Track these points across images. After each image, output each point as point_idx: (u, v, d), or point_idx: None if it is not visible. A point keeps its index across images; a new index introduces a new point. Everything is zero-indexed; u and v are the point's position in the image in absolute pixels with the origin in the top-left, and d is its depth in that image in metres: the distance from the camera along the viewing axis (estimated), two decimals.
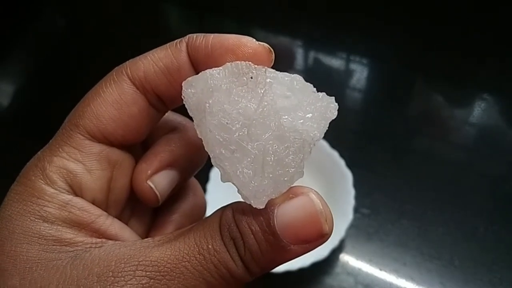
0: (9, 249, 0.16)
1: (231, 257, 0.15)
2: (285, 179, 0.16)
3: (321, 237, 0.15)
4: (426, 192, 0.49)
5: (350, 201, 0.43)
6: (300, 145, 0.16)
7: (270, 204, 0.15)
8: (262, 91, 0.16)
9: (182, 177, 0.20)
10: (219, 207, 0.17)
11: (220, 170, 0.16)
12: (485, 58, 0.61)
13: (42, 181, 0.17)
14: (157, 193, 0.19)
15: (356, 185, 0.44)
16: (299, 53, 0.67)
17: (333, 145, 0.47)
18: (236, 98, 0.16)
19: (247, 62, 0.17)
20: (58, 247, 0.16)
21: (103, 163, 0.18)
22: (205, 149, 0.16)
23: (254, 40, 0.18)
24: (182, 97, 0.16)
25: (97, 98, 0.18)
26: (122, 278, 0.15)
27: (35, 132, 0.62)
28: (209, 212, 0.19)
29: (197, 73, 0.17)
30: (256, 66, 0.16)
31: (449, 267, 0.44)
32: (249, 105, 0.15)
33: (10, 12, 0.75)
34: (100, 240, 0.17)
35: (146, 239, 0.16)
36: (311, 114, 0.16)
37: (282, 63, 0.65)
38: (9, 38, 0.73)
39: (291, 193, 0.16)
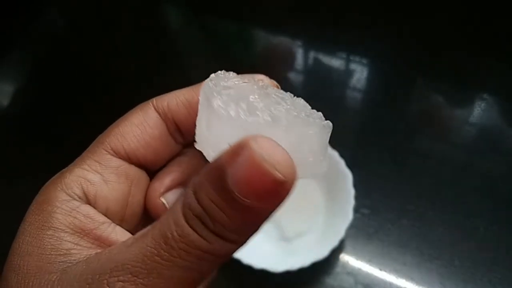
0: (16, 263, 0.16)
1: (200, 235, 0.15)
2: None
3: (279, 185, 0.14)
4: (426, 192, 0.49)
5: (350, 201, 0.43)
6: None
7: (221, 167, 0.15)
8: (257, 108, 0.16)
9: None
10: None
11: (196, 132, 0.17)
12: (485, 58, 0.61)
13: (59, 188, 0.18)
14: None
15: (356, 185, 0.44)
16: (299, 53, 0.67)
17: (333, 145, 0.47)
18: (231, 104, 0.16)
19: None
20: (53, 256, 0.16)
21: (120, 176, 0.19)
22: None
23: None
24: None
25: (124, 121, 0.20)
26: None
27: (35, 132, 0.62)
28: None
29: None
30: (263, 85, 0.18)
31: (449, 267, 0.44)
32: (240, 115, 0.16)
33: (10, 12, 0.75)
34: (97, 250, 0.17)
35: (123, 241, 0.17)
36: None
37: (282, 63, 0.65)
38: (9, 38, 0.73)
39: (237, 147, 0.15)
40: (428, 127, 0.56)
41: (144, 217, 0.21)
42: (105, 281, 0.15)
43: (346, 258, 0.45)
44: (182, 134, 0.21)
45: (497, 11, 0.64)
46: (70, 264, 0.16)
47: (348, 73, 0.62)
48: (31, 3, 0.76)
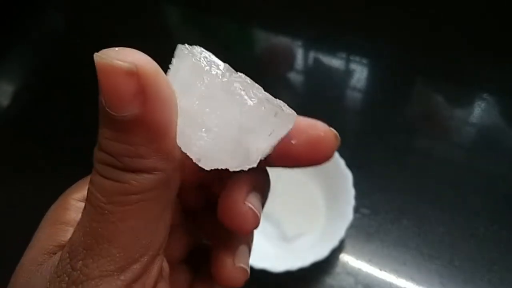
0: (20, 281, 0.16)
1: (111, 178, 0.14)
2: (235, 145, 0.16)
3: (130, 76, 0.14)
4: (426, 192, 0.49)
5: (350, 201, 0.43)
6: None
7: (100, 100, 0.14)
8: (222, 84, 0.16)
9: (263, 201, 0.20)
10: None
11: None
12: (485, 58, 0.61)
13: (74, 192, 0.18)
14: (257, 212, 0.18)
15: (356, 185, 0.44)
16: (299, 53, 0.67)
17: None
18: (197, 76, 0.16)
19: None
20: (51, 247, 0.17)
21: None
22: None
23: (324, 124, 0.18)
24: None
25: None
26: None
27: (35, 132, 0.62)
28: None
29: None
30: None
31: (449, 267, 0.44)
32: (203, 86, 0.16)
33: (11, 12, 0.75)
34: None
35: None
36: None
37: (282, 63, 0.65)
38: (9, 38, 0.73)
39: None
40: (428, 127, 0.56)
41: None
42: (68, 265, 0.15)
43: (346, 258, 0.45)
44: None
45: (497, 11, 0.64)
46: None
47: (348, 73, 0.62)
48: (31, 3, 0.76)
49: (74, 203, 0.18)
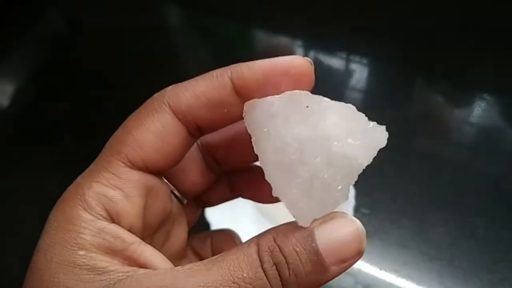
0: (48, 279, 0.16)
1: (270, 283, 0.15)
2: (331, 201, 0.16)
3: (359, 255, 0.16)
4: (426, 192, 0.49)
5: (350, 201, 0.43)
6: (348, 171, 0.17)
7: (312, 226, 0.16)
8: (316, 119, 0.17)
9: None
10: None
11: (272, 185, 0.17)
12: (485, 58, 0.61)
13: (80, 207, 0.17)
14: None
15: (356, 185, 0.44)
16: (299, 53, 0.67)
17: None
18: (292, 125, 0.17)
19: (305, 91, 0.18)
20: (92, 276, 0.16)
21: (141, 189, 0.18)
22: (260, 164, 0.17)
23: (301, 57, 0.18)
24: (243, 116, 0.18)
25: (140, 127, 0.18)
26: None
27: (35, 133, 0.62)
28: None
29: (243, 103, 0.18)
30: (313, 95, 0.17)
31: (449, 267, 0.44)
32: (303, 132, 0.16)
33: (11, 12, 0.75)
34: (132, 268, 0.17)
35: (176, 268, 0.16)
36: (360, 141, 0.17)
37: None
38: (9, 38, 0.73)
39: (329, 216, 0.16)
40: (428, 127, 0.56)
41: (164, 226, 0.21)
42: None
43: None
44: (202, 132, 0.20)
45: (498, 11, 0.64)
46: (113, 282, 0.16)
47: (348, 73, 0.62)
48: (32, 3, 0.76)
49: (85, 225, 0.17)
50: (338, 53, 0.65)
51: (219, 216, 0.42)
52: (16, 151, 0.59)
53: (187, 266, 0.16)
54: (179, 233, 0.22)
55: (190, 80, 0.19)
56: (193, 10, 0.75)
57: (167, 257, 0.19)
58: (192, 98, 0.18)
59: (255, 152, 0.17)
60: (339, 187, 0.16)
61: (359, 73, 0.62)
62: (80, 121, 0.60)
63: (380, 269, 0.44)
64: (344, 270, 0.16)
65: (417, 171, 0.51)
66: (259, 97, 0.18)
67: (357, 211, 0.46)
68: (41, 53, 0.73)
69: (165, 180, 0.21)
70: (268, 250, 0.16)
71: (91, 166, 0.19)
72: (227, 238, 0.26)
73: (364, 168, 0.17)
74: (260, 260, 0.15)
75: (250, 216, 0.44)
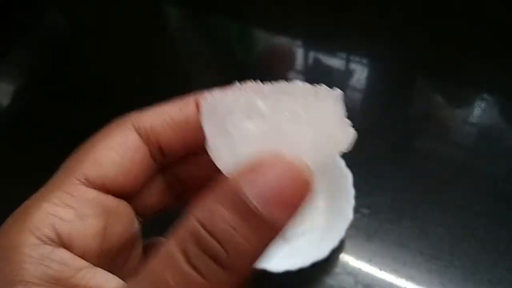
0: None
1: (207, 279, 0.13)
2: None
3: (306, 188, 0.13)
4: (426, 192, 0.49)
5: (350, 201, 0.43)
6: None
7: (237, 183, 0.13)
8: (270, 112, 0.15)
9: None
10: None
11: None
12: (485, 58, 0.61)
13: (26, 231, 0.15)
14: None
15: (356, 185, 0.44)
16: (299, 53, 0.67)
17: None
18: (245, 121, 0.15)
19: (261, 86, 0.16)
20: None
21: (97, 210, 0.17)
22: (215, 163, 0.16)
23: None
24: (200, 117, 0.17)
25: (98, 143, 0.17)
26: None
27: (35, 132, 0.62)
28: None
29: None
30: (270, 90, 0.16)
31: (449, 267, 0.44)
32: (258, 127, 0.15)
33: (11, 12, 0.75)
34: None
35: None
36: (309, 117, 0.16)
37: (282, 63, 0.65)
38: (9, 38, 0.73)
39: (255, 163, 0.13)
40: (428, 127, 0.56)
41: (124, 251, 0.19)
42: None
43: (346, 258, 0.45)
44: (164, 154, 0.19)
45: (498, 11, 0.64)
46: None
47: (348, 73, 0.62)
48: (32, 3, 0.76)
49: (28, 251, 0.15)
50: (338, 53, 0.65)
51: None
52: (16, 151, 0.59)
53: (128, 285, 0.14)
54: (138, 251, 0.20)
55: (155, 106, 0.19)
56: (193, 10, 0.75)
57: (128, 275, 0.18)
58: (157, 116, 0.18)
59: (210, 155, 0.16)
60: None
61: (359, 73, 0.62)
62: (80, 121, 0.60)
63: (380, 269, 0.44)
64: (297, 211, 0.13)
65: (417, 171, 0.51)
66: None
67: (357, 211, 0.46)
68: (41, 53, 0.73)
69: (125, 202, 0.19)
70: (192, 238, 0.13)
71: (42, 188, 0.17)
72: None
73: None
74: (185, 256, 0.13)
75: None
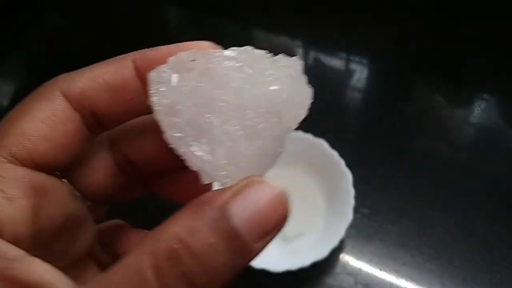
0: None
1: None
2: (259, 147, 0.14)
3: (284, 222, 0.14)
4: (426, 192, 0.49)
5: (350, 201, 0.43)
6: (267, 109, 0.14)
7: (223, 200, 0.13)
8: (211, 71, 0.14)
9: None
10: None
11: (187, 159, 0.15)
12: (485, 58, 0.61)
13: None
14: None
15: (356, 185, 0.44)
16: (299, 53, 0.67)
17: (333, 145, 0.47)
18: (185, 85, 0.14)
19: (190, 51, 0.15)
20: None
21: (27, 189, 0.15)
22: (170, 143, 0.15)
23: (207, 42, 0.17)
24: (148, 91, 0.15)
25: (25, 116, 0.16)
26: None
27: None
28: None
29: (143, 86, 0.16)
30: (200, 51, 0.15)
31: (449, 267, 0.44)
32: (200, 87, 0.14)
33: (10, 12, 0.75)
34: None
35: None
36: (271, 78, 0.15)
37: None
38: (9, 38, 0.73)
39: (243, 183, 0.13)
40: (428, 127, 0.56)
41: (64, 234, 0.17)
42: None
43: (346, 258, 0.45)
44: (101, 122, 0.17)
45: (498, 11, 0.64)
46: None
47: (348, 73, 0.62)
48: (32, 3, 0.76)
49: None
50: (338, 53, 0.65)
51: None
52: None
53: None
54: (85, 235, 0.19)
55: (88, 66, 0.17)
56: (193, 10, 0.75)
57: (72, 262, 0.17)
58: (88, 80, 0.16)
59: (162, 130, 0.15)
60: (263, 129, 0.14)
61: (359, 73, 0.62)
62: None
63: (380, 269, 0.44)
64: (270, 242, 0.13)
65: (417, 171, 0.51)
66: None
67: (357, 211, 0.46)
68: (41, 53, 0.73)
69: (65, 180, 0.18)
70: (168, 255, 0.12)
71: None
72: (115, 228, 0.22)
73: (286, 101, 0.14)
74: (157, 273, 0.12)
75: None
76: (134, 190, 0.21)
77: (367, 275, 0.44)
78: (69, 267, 0.18)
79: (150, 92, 0.15)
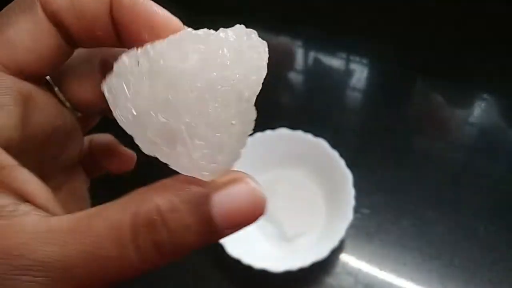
0: None
1: (140, 257, 0.13)
2: (231, 134, 0.14)
3: (255, 220, 0.15)
4: (426, 192, 0.49)
5: (350, 201, 0.43)
6: (229, 91, 0.14)
7: (209, 190, 0.14)
8: (158, 68, 0.14)
9: None
10: None
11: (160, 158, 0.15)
12: (485, 58, 0.61)
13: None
14: None
15: (356, 185, 0.44)
16: (299, 53, 0.67)
17: (333, 145, 0.47)
18: (139, 92, 0.14)
19: (130, 51, 0.15)
20: None
21: (16, 97, 0.15)
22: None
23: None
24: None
25: (12, 26, 0.16)
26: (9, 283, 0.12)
27: None
28: None
29: (114, 29, 0.16)
30: (141, 48, 0.15)
31: (449, 267, 0.44)
32: (154, 90, 0.14)
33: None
34: (15, 204, 0.14)
35: (54, 220, 0.14)
36: (219, 60, 0.14)
37: (282, 63, 0.65)
38: None
39: (226, 179, 0.14)
40: (428, 127, 0.56)
41: (49, 138, 0.18)
42: (18, 276, 0.12)
43: (346, 258, 0.45)
44: (76, 42, 0.17)
45: (498, 11, 0.64)
46: None
47: (348, 73, 0.62)
48: None
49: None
50: (338, 53, 0.65)
51: None
52: None
53: (65, 218, 0.14)
54: (74, 144, 0.20)
55: None
56: (193, 10, 0.75)
57: (61, 167, 0.19)
58: (64, 1, 0.16)
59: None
60: (232, 122, 0.14)
61: (359, 73, 0.62)
62: None
63: (380, 269, 0.44)
64: (238, 231, 0.15)
65: (417, 171, 0.51)
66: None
67: (357, 211, 0.46)
68: None
69: (56, 88, 0.18)
70: (146, 223, 0.13)
71: None
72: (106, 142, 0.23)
73: (247, 81, 0.14)
74: (133, 234, 0.13)
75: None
76: None
77: (367, 275, 0.44)
78: (59, 172, 0.19)
79: (110, 105, 0.15)
